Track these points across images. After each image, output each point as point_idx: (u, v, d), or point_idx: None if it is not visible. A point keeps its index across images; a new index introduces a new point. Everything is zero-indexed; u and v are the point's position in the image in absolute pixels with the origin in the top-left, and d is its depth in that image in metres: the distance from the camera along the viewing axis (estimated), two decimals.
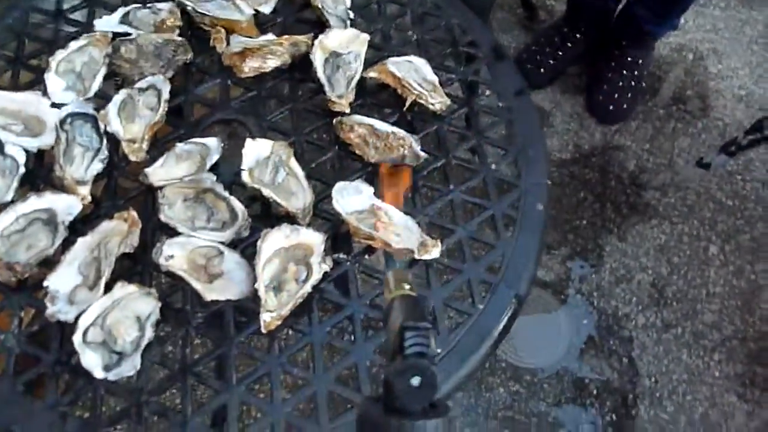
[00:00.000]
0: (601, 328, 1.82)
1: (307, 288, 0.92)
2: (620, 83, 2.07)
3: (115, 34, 1.12)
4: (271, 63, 1.10)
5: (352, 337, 0.93)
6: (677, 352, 1.79)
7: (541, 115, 2.11)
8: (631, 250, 1.92)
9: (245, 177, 0.99)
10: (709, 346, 1.80)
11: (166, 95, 1.06)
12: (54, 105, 1.05)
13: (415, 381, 0.46)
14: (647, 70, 2.12)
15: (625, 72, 2.07)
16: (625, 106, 2.07)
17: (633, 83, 2.07)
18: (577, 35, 2.10)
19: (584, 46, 2.12)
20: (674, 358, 1.78)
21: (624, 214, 1.97)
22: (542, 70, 2.10)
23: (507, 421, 1.71)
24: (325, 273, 0.94)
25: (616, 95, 2.06)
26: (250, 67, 1.10)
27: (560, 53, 2.10)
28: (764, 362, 1.77)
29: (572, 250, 1.92)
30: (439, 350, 0.92)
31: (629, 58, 2.07)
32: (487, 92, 1.13)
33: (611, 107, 2.07)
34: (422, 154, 1.02)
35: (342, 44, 1.12)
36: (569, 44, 2.11)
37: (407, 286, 0.56)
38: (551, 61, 2.10)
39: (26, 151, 1.02)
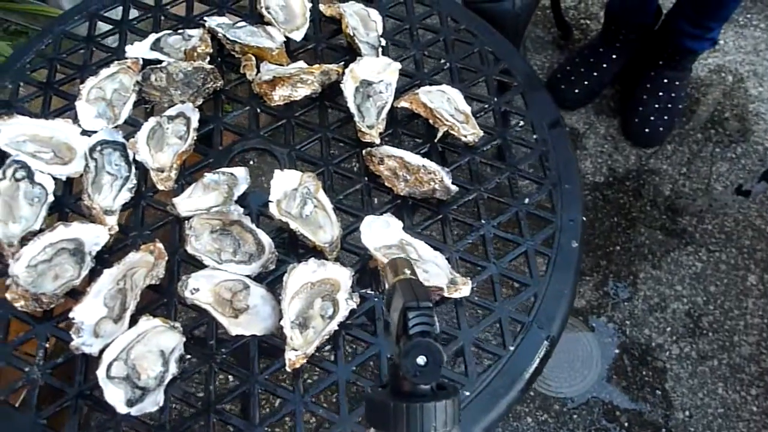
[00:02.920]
0: (634, 358, 1.77)
1: (333, 325, 0.90)
2: (656, 105, 2.02)
3: (146, 61, 1.12)
4: (302, 91, 1.08)
5: (380, 377, 0.91)
6: (713, 385, 1.74)
7: (574, 137, 2.07)
8: (666, 277, 1.87)
9: (273, 209, 0.98)
10: (746, 379, 1.74)
11: (195, 124, 1.05)
12: (84, 132, 1.05)
13: (421, 360, 0.45)
14: (684, 92, 2.07)
15: (661, 94, 2.02)
16: (661, 129, 2.02)
17: (669, 106, 2.02)
18: (613, 56, 2.06)
19: (620, 67, 2.08)
20: (710, 392, 1.73)
21: (659, 241, 1.92)
22: (576, 90, 2.07)
23: None
24: (352, 310, 0.92)
25: (652, 118, 2.02)
26: (280, 95, 1.08)
27: (595, 74, 2.06)
28: None
29: (605, 277, 1.87)
30: (467, 393, 0.89)
31: (666, 80, 2.03)
32: (521, 123, 1.10)
33: (647, 130, 2.02)
34: (453, 187, 1.00)
35: (373, 73, 1.10)
36: (604, 65, 2.07)
37: (408, 272, 0.54)
38: (586, 82, 2.06)
39: (55, 178, 1.02)
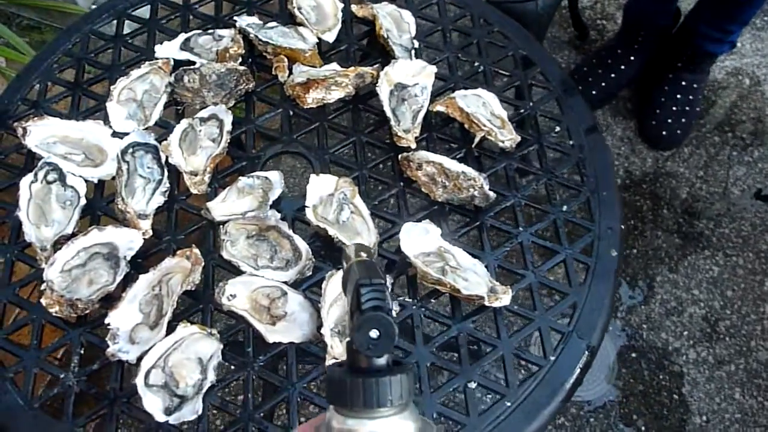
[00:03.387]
0: (651, 362, 1.77)
1: None
2: (674, 108, 2.01)
3: (176, 61, 1.10)
4: (335, 94, 1.07)
5: (419, 387, 0.89)
6: (730, 390, 1.73)
7: None
8: (683, 281, 1.86)
9: (310, 215, 0.96)
10: (764, 385, 1.74)
11: (228, 126, 1.03)
12: (115, 134, 1.03)
13: (374, 334, 0.46)
14: (702, 95, 2.06)
15: (679, 96, 2.01)
16: (678, 132, 2.01)
17: (687, 108, 2.02)
18: (631, 57, 2.05)
19: (637, 69, 2.07)
20: (727, 397, 1.73)
21: (676, 244, 1.91)
22: (594, 92, 2.06)
23: None
24: None
25: (670, 121, 2.01)
26: (313, 98, 1.07)
27: (613, 75, 2.05)
28: None
29: (621, 280, 1.86)
30: (508, 403, 0.88)
31: (684, 82, 2.02)
32: (557, 128, 1.09)
33: (664, 133, 2.02)
34: (491, 194, 0.99)
35: (408, 76, 1.08)
36: (622, 66, 2.05)
37: (364, 255, 0.56)
38: (603, 83, 2.05)
39: (86, 181, 1.00)
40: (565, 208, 1.02)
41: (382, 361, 0.47)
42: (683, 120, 2.01)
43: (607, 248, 0.99)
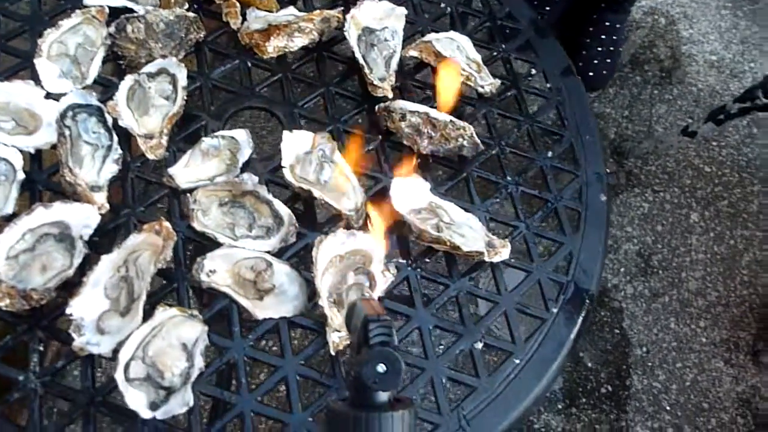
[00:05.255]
0: (592, 300, 1.80)
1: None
2: (599, 49, 2.02)
3: (111, 9, 0.96)
4: (298, 41, 0.97)
5: (423, 352, 0.84)
6: (666, 320, 1.80)
7: None
8: (617, 219, 1.91)
9: (288, 175, 0.88)
10: (695, 313, 1.82)
11: (183, 81, 0.92)
12: (49, 95, 0.89)
13: (381, 368, 0.47)
14: (624, 35, 2.08)
15: (603, 37, 2.02)
16: (604, 72, 2.03)
17: (611, 49, 2.03)
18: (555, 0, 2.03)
19: (561, 12, 2.06)
20: (663, 327, 1.80)
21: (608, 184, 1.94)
22: None
23: None
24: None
25: (596, 61, 2.02)
26: (274, 46, 0.96)
27: None
28: (746, 327, 1.81)
29: None
30: (517, 360, 0.85)
31: (607, 23, 2.03)
32: (533, 71, 1.04)
33: (591, 74, 2.02)
34: (480, 143, 0.93)
35: (376, 19, 1.00)
36: (547, 7, 2.03)
37: (367, 294, 0.60)
38: None
39: (21, 151, 0.86)
40: (549, 154, 0.98)
41: (384, 396, 0.47)
42: (608, 60, 2.03)
43: (596, 193, 0.96)
